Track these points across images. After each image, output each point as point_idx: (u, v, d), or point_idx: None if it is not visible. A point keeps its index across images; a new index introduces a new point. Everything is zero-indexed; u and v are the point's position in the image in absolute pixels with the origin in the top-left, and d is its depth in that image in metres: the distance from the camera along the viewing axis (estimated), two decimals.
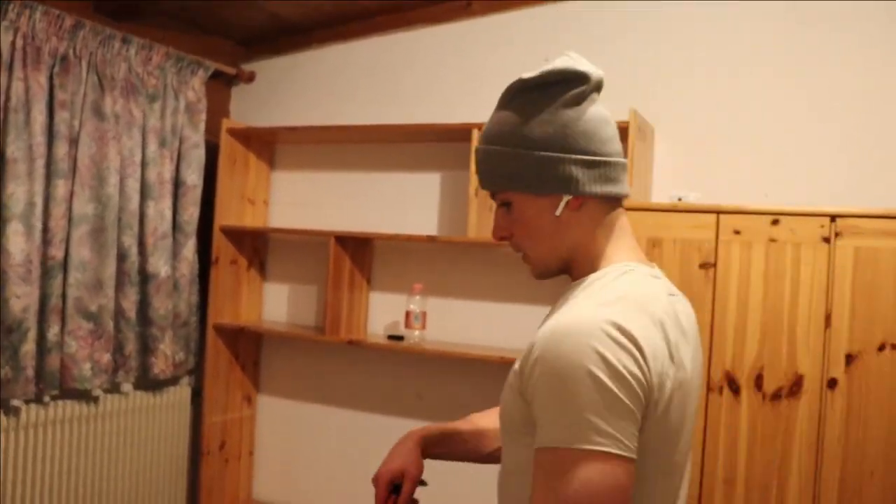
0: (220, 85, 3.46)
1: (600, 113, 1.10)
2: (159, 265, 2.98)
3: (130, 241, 2.88)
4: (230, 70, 3.35)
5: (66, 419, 2.74)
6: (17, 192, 2.50)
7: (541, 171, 1.06)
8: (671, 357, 0.98)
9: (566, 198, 1.06)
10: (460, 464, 1.41)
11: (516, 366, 1.02)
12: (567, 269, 1.12)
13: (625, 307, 0.96)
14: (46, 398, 2.69)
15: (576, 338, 0.91)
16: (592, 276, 1.07)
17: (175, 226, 3.10)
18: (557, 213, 1.07)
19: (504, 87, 1.11)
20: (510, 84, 1.09)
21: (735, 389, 2.15)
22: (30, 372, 2.55)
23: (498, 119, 1.10)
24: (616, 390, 0.89)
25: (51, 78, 2.61)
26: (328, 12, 3.15)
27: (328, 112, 3.34)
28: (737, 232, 2.17)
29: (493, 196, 1.12)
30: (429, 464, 1.34)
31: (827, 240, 2.08)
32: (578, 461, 0.88)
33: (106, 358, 2.81)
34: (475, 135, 2.71)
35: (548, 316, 1.11)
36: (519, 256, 1.16)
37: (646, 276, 1.07)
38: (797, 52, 2.56)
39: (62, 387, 2.70)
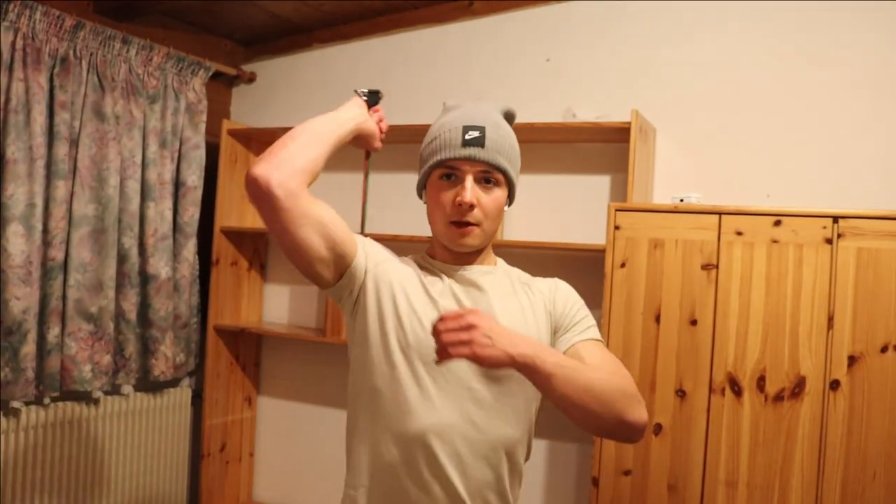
0: (221, 85, 3.46)
1: None
2: (160, 266, 2.98)
3: (131, 243, 2.88)
4: (231, 70, 3.34)
5: (66, 421, 2.73)
6: (17, 193, 2.50)
7: (518, 176, 1.42)
8: None
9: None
10: None
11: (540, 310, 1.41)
12: (481, 249, 1.43)
13: None
14: (46, 400, 2.69)
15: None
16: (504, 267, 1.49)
17: (175, 227, 3.09)
18: (507, 207, 1.44)
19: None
20: (508, 110, 1.43)
21: (737, 391, 2.14)
22: (30, 374, 2.54)
23: (505, 126, 1.39)
24: None
25: (51, 78, 2.60)
26: (328, 12, 3.15)
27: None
28: (739, 233, 2.16)
29: (485, 172, 1.35)
30: None
31: (829, 241, 2.07)
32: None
33: (106, 359, 2.80)
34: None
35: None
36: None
37: None
38: (799, 53, 2.56)
39: (62, 388, 2.69)
